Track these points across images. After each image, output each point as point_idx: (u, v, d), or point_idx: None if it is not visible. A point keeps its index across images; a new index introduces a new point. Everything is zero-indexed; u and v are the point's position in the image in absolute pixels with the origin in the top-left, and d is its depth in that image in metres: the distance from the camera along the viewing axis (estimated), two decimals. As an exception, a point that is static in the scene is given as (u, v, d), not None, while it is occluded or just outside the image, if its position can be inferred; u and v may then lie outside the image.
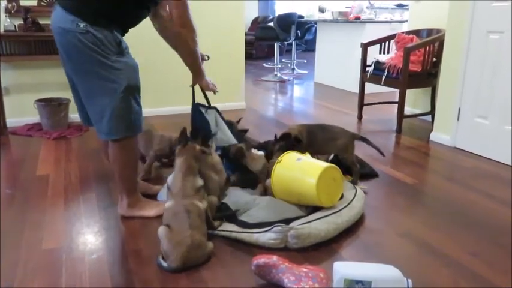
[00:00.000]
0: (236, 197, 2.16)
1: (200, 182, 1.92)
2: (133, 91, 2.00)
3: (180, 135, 1.97)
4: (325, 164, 2.06)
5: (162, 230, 1.77)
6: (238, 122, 2.74)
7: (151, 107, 4.13)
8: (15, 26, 3.60)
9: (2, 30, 3.57)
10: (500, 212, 2.28)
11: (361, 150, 3.16)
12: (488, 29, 2.99)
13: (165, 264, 1.72)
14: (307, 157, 2.22)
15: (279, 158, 2.19)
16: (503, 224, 2.15)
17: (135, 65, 2.04)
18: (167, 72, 4.15)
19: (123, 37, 2.04)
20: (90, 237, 2.01)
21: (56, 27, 1.93)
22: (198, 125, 2.42)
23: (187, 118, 2.55)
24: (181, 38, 2.02)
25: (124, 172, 2.12)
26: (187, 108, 2.50)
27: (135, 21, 2.07)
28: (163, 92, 4.24)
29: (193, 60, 2.15)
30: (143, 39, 3.84)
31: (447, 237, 2.02)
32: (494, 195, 2.48)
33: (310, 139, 2.49)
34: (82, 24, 1.85)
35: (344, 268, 1.59)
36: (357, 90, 4.26)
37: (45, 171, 2.78)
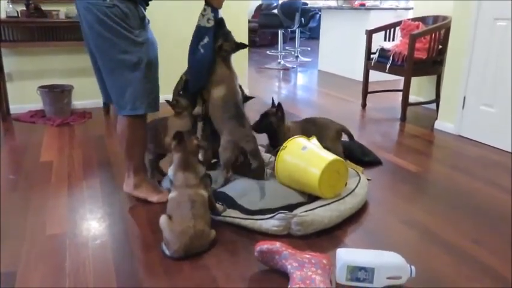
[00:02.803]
0: (232, 185, 2.16)
1: (202, 170, 1.91)
2: (154, 67, 2.03)
3: (174, 135, 1.92)
4: (331, 157, 2.04)
5: (163, 220, 1.77)
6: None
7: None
8: (17, 12, 3.57)
9: (4, 16, 3.55)
10: (503, 200, 2.27)
11: (365, 138, 3.16)
12: (495, 16, 2.95)
13: (168, 252, 1.73)
14: (313, 145, 2.19)
15: (284, 145, 2.18)
16: (506, 212, 2.15)
17: (155, 42, 2.07)
18: (169, 60, 4.13)
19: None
20: (93, 223, 2.01)
21: (83, 3, 1.93)
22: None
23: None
24: None
25: (133, 149, 2.13)
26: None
27: None
28: (165, 81, 4.22)
29: None
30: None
31: (450, 225, 2.02)
32: (498, 183, 2.47)
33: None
34: None
35: (347, 255, 1.59)
36: (361, 78, 4.22)
37: (49, 158, 2.78)
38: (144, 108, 2.04)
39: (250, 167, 2.17)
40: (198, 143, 1.94)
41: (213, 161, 2.38)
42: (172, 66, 4.17)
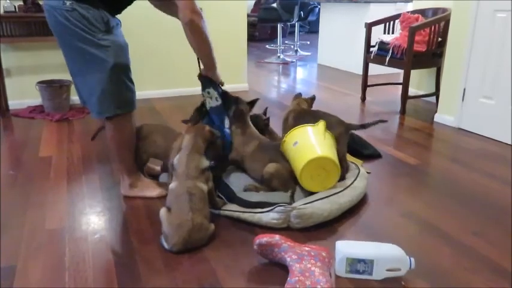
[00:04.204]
0: (236, 177, 2.16)
1: (206, 163, 1.90)
2: (122, 69, 1.99)
3: (194, 111, 1.91)
4: (314, 155, 1.99)
5: (163, 213, 1.77)
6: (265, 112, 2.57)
7: (154, 89, 4.12)
8: (15, 6, 3.56)
9: (2, 11, 3.54)
10: (503, 192, 2.27)
11: (365, 131, 3.14)
12: (495, 7, 2.93)
13: (166, 245, 1.73)
14: (309, 136, 2.15)
15: (284, 138, 2.18)
16: (506, 204, 2.14)
17: (124, 43, 2.02)
18: (170, 54, 4.12)
19: (116, 15, 2.03)
20: (93, 217, 2.01)
21: (45, 6, 1.93)
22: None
23: (191, 100, 2.51)
24: (193, 25, 1.91)
25: (121, 152, 2.12)
26: (191, 90, 2.45)
27: (123, 4, 2.04)
28: (167, 74, 4.21)
29: (208, 50, 2.04)
30: (146, 22, 3.80)
31: (449, 217, 2.02)
32: (497, 175, 2.47)
33: (297, 124, 2.26)
34: (68, 2, 1.85)
35: (346, 247, 1.59)
36: (360, 71, 4.21)
37: (48, 153, 2.78)
38: (112, 111, 2.01)
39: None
40: (211, 129, 1.94)
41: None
42: (174, 60, 4.17)
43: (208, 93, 2.19)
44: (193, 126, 1.90)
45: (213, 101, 2.20)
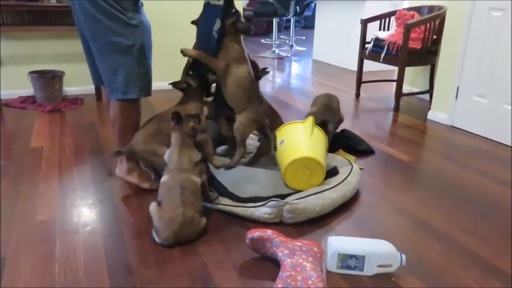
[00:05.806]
0: (225, 174, 2.15)
1: (197, 156, 1.89)
2: (148, 51, 2.00)
3: (172, 116, 1.89)
4: (297, 155, 2.01)
5: (153, 208, 1.76)
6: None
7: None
8: (7, -5, 3.52)
9: (-6, 0, 3.49)
10: (494, 190, 2.28)
11: (358, 128, 3.16)
12: (491, 6, 2.94)
13: (158, 239, 1.72)
14: (295, 134, 2.19)
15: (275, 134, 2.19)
16: (497, 201, 2.16)
17: (148, 24, 2.03)
18: (163, 47, 4.09)
19: None
20: (84, 209, 2.00)
21: None
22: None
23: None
24: None
25: (126, 134, 2.11)
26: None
27: None
28: (160, 67, 4.18)
29: None
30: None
31: (441, 214, 2.03)
32: (489, 173, 2.49)
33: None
34: None
35: (338, 243, 1.60)
36: (355, 68, 4.21)
37: (39, 144, 2.75)
38: (136, 93, 2.01)
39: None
40: (193, 126, 1.92)
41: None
42: (168, 52, 4.14)
43: None
44: (177, 124, 1.87)
45: None
